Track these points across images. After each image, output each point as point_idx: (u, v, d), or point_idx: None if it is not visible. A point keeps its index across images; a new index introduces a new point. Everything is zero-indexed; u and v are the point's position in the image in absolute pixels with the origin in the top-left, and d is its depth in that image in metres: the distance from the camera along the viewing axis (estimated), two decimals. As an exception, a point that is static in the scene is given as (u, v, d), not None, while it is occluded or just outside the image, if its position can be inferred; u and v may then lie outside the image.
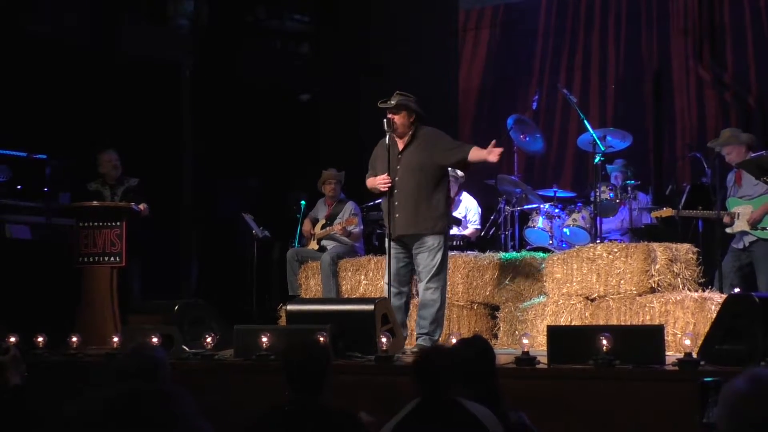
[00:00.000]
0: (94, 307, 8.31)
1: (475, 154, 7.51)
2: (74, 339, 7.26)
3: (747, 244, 8.40)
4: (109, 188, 9.02)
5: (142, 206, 8.72)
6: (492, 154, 7.45)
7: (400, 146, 7.55)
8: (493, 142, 7.49)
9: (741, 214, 8.44)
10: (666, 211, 8.79)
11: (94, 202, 8.72)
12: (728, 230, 8.48)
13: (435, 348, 3.80)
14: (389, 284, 7.45)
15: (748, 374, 2.75)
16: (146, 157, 10.03)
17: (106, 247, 8.37)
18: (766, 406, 2.61)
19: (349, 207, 9.67)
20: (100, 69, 10.27)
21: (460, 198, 10.06)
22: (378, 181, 7.49)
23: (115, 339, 7.17)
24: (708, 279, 8.12)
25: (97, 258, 8.39)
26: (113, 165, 9.11)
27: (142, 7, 11.10)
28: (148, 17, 11.11)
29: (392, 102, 7.48)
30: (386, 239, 7.54)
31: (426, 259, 7.48)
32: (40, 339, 7.32)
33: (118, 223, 8.40)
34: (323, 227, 9.65)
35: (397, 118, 7.49)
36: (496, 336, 8.28)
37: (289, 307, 7.52)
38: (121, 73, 10.37)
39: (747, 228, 8.36)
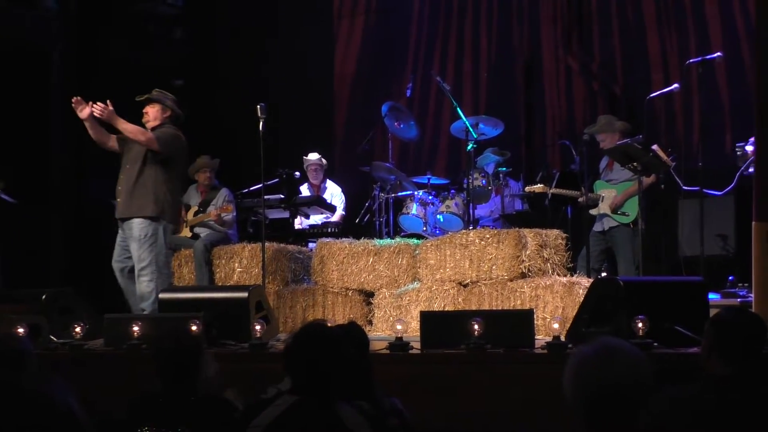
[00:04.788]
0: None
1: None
2: (-66, 330, 7.00)
3: (606, 228, 8.68)
4: None
5: None
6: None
7: None
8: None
9: (605, 198, 8.69)
10: (539, 187, 9.05)
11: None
12: (592, 212, 8.74)
13: (314, 330, 3.60)
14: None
15: (596, 341, 2.88)
16: (13, 141, 9.74)
17: (-34, 237, 8.11)
18: (609, 368, 2.77)
19: (224, 193, 9.57)
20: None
21: (325, 185, 10.21)
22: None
23: (-22, 330, 6.94)
24: (575, 264, 8.33)
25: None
26: None
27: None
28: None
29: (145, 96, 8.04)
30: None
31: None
32: None
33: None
34: (196, 214, 9.51)
35: (150, 111, 7.99)
36: (370, 322, 8.30)
37: (161, 295, 7.43)
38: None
39: (608, 211, 8.63)
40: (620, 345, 2.86)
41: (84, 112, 7.72)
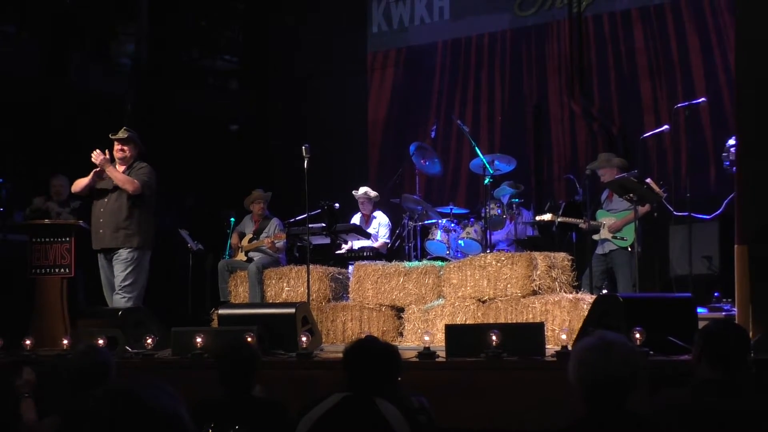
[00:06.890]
0: (46, 313, 8.10)
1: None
2: (28, 341, 7.10)
3: (607, 251, 8.63)
4: (55, 208, 8.99)
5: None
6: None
7: (121, 171, 7.95)
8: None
9: (606, 224, 8.65)
10: (548, 216, 9.00)
11: (46, 220, 8.58)
12: (594, 237, 8.70)
13: (367, 341, 3.70)
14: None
15: (596, 334, 2.96)
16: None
17: (56, 260, 8.18)
18: (606, 359, 2.88)
19: (275, 223, 9.60)
20: (51, 101, 10.06)
21: (374, 215, 10.14)
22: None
23: (65, 341, 7.01)
24: (580, 282, 8.29)
25: (48, 269, 8.19)
26: (57, 190, 9.22)
27: (90, 47, 10.92)
28: (95, 56, 10.95)
29: (122, 135, 7.98)
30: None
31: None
32: (-3, 341, 7.14)
33: (68, 239, 8.23)
34: (250, 241, 9.55)
35: (127, 149, 7.97)
36: (401, 334, 8.29)
37: (221, 311, 7.48)
38: (71, 105, 10.18)
39: (609, 236, 8.59)
40: (616, 338, 2.96)
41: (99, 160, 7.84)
